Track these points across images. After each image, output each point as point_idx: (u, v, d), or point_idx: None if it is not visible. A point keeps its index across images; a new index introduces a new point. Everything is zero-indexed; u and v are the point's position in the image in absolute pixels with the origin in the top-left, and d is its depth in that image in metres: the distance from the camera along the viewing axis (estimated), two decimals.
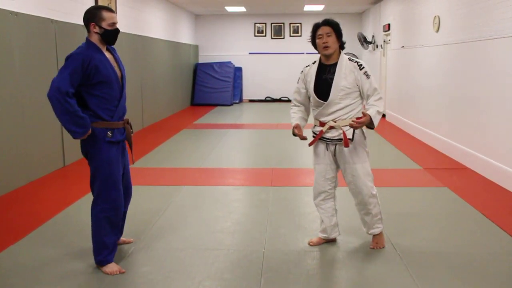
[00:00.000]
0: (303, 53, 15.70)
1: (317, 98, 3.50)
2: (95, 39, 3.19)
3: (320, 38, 3.48)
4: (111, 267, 3.29)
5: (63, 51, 5.97)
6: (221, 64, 15.01)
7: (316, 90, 3.51)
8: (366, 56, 14.18)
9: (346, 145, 3.42)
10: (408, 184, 5.58)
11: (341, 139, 3.47)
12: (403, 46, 9.83)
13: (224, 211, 4.57)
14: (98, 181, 3.23)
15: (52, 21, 6.14)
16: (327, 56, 3.50)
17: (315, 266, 3.41)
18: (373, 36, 12.99)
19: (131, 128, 3.42)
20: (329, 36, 3.45)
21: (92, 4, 7.46)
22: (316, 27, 3.53)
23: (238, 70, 15.39)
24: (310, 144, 3.61)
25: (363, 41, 13.30)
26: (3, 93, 5.15)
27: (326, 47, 3.46)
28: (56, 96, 2.98)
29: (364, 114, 3.32)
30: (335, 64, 3.49)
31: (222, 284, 3.15)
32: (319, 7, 13.74)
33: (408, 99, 9.43)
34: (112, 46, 3.36)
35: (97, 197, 3.27)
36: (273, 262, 3.45)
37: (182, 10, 13.83)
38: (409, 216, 4.44)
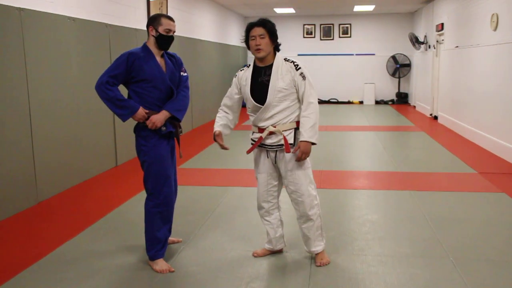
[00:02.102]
0: (352, 55, 15.52)
1: (254, 102, 3.27)
2: (151, 42, 3.38)
3: (253, 39, 3.25)
4: (161, 265, 3.36)
5: (116, 54, 6.14)
6: None
7: (253, 93, 3.28)
8: (417, 56, 13.85)
9: (288, 151, 3.22)
10: (462, 189, 5.40)
11: (281, 145, 3.26)
12: (457, 46, 9.53)
13: None
14: (151, 177, 3.35)
15: (106, 25, 6.34)
16: (261, 59, 3.28)
17: (365, 270, 3.35)
18: (425, 36, 12.68)
19: (180, 127, 3.53)
20: (262, 38, 3.22)
21: (144, 8, 7.65)
22: (249, 28, 3.28)
23: None
24: (248, 152, 3.42)
25: (415, 41, 13.00)
26: (61, 95, 5.35)
27: (258, 50, 3.23)
28: (98, 85, 3.26)
29: (300, 146, 3.17)
30: (271, 66, 3.27)
31: (270, 286, 3.15)
32: (370, 7, 13.54)
33: (462, 101, 9.13)
34: (174, 54, 3.55)
35: (150, 193, 3.38)
36: (321, 265, 3.42)
37: (231, 13, 13.96)
38: (463, 222, 4.30)
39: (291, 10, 13.96)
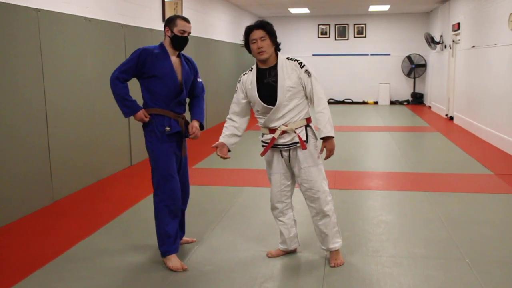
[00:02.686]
0: (367, 55, 15.44)
1: (264, 104, 3.26)
2: (166, 42, 3.48)
3: (254, 43, 3.22)
4: (174, 262, 3.38)
5: (131, 53, 6.18)
6: None
7: (260, 96, 3.26)
8: (433, 57, 13.73)
9: (304, 147, 3.25)
10: (477, 190, 5.34)
11: (294, 143, 3.27)
12: (473, 46, 9.43)
13: None
14: (156, 173, 3.43)
15: (122, 25, 6.38)
16: (264, 61, 3.26)
17: (379, 271, 3.33)
18: (441, 36, 12.56)
19: (186, 126, 3.61)
20: (263, 40, 3.21)
21: (159, 8, 7.68)
22: (248, 31, 3.25)
23: None
24: (262, 154, 3.41)
25: (431, 41, 12.89)
26: (77, 95, 5.40)
27: (261, 52, 3.22)
28: (111, 79, 3.40)
29: (323, 139, 3.24)
30: (275, 66, 3.27)
31: (283, 286, 3.15)
32: (385, 7, 13.45)
33: (478, 101, 9.03)
34: (190, 58, 3.64)
35: (156, 188, 3.46)
36: (335, 266, 3.40)
37: (246, 13, 13.97)
38: (479, 223, 4.25)
39: (305, 10, 13.93)
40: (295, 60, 3.30)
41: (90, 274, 3.32)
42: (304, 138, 3.27)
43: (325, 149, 3.29)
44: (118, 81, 3.38)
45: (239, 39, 13.78)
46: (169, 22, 3.44)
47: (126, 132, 6.48)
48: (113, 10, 6.28)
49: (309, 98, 3.30)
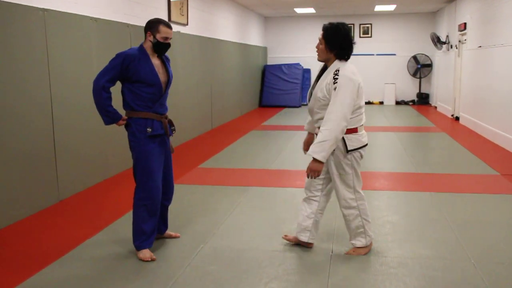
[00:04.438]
0: (373, 55, 15.41)
1: (307, 103, 3.47)
2: (147, 46, 3.52)
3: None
4: (145, 253, 3.51)
5: None
6: (290, 65, 15.01)
7: (309, 94, 3.47)
8: (439, 57, 13.69)
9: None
10: (483, 191, 5.32)
11: None
12: (480, 46, 9.39)
13: (291, 213, 4.55)
14: (137, 171, 3.51)
15: (128, 25, 6.40)
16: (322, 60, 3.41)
17: (384, 272, 3.32)
18: (447, 36, 12.52)
19: (173, 126, 3.70)
20: (321, 44, 3.34)
21: (165, 8, 7.70)
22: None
23: (307, 71, 15.33)
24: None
25: (437, 41, 12.85)
26: (83, 95, 5.42)
27: (317, 53, 3.38)
28: (95, 89, 3.44)
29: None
30: (325, 69, 3.39)
31: (289, 286, 3.15)
32: (391, 7, 13.42)
33: (485, 101, 8.99)
34: (167, 55, 3.69)
35: (137, 186, 3.54)
36: (340, 266, 3.40)
37: (252, 13, 13.97)
38: (485, 224, 4.23)
39: (311, 10, 13.92)
40: (335, 74, 3.24)
41: (96, 274, 3.33)
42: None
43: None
44: (104, 91, 3.41)
45: (246, 39, 13.81)
46: (151, 27, 3.47)
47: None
48: (119, 10, 6.30)
49: None
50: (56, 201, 4.96)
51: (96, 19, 5.67)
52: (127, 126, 3.54)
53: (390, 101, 15.23)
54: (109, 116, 3.48)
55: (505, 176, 5.88)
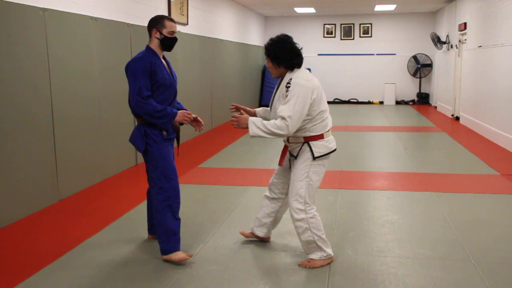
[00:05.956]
0: (373, 55, 15.41)
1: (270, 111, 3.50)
2: (154, 44, 3.48)
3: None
4: (179, 254, 3.45)
5: (137, 53, 6.21)
6: None
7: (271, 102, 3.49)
8: (439, 56, 13.69)
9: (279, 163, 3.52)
10: (484, 191, 5.32)
11: (291, 154, 3.43)
12: (480, 46, 9.39)
13: None
14: (158, 173, 3.45)
15: (128, 25, 6.40)
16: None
17: (384, 271, 3.32)
18: (447, 36, 12.52)
19: (179, 127, 3.69)
20: (269, 62, 3.37)
21: (165, 8, 7.70)
22: None
23: None
24: (279, 163, 3.58)
25: (437, 41, 12.85)
26: (83, 94, 5.42)
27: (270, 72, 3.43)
28: (136, 104, 3.32)
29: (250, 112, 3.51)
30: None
31: (288, 286, 3.15)
32: (391, 7, 13.42)
33: (485, 101, 8.99)
34: (166, 57, 3.66)
35: (158, 188, 3.47)
36: (340, 266, 3.40)
37: (252, 12, 13.97)
38: (485, 224, 4.24)
39: (311, 10, 13.91)
40: (288, 83, 3.24)
41: (97, 273, 3.33)
42: (295, 154, 3.37)
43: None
44: (144, 100, 3.30)
45: (246, 38, 13.81)
46: (156, 24, 3.44)
47: (131, 131, 6.48)
48: (119, 10, 6.30)
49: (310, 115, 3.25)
50: (56, 200, 4.96)
51: (96, 19, 5.67)
52: (144, 130, 3.44)
53: (390, 101, 15.23)
54: (163, 116, 3.35)
55: (505, 176, 5.88)
